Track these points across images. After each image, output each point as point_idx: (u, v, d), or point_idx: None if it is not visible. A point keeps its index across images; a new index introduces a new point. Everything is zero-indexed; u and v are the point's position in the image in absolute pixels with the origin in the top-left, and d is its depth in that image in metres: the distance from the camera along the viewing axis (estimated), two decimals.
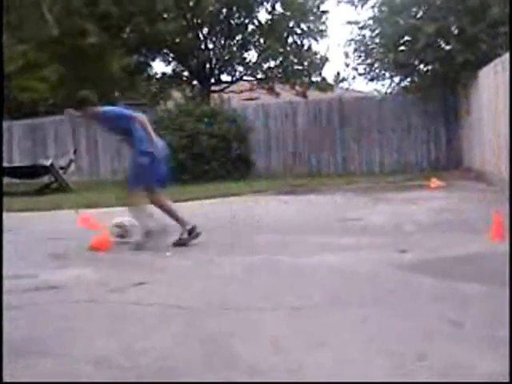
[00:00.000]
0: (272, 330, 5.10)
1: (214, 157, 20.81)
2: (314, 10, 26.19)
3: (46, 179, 20.45)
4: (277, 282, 6.77)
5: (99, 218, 10.95)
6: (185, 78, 28.71)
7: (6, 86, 24.62)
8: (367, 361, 4.25)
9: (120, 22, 24.81)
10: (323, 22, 26.45)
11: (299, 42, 26.76)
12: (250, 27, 26.98)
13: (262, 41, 26.54)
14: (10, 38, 24.10)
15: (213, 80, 26.99)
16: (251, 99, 29.66)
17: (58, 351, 4.87)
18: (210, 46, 26.68)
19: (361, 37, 22.45)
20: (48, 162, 20.41)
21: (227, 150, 21.02)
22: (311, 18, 26.22)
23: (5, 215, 11.87)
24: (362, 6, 22.31)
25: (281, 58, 26.54)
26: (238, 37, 27.00)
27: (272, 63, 27.04)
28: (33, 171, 20.18)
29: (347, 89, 27.10)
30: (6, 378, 4.22)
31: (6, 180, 19.96)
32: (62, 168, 20.65)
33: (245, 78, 27.75)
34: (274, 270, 7.35)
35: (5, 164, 21.78)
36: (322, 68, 26.93)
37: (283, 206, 14.37)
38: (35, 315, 5.94)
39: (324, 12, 26.33)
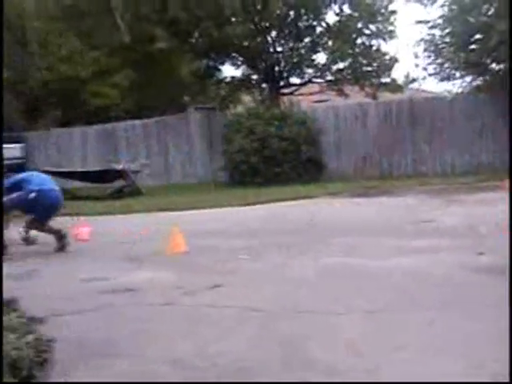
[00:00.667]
0: (347, 332, 5.12)
1: (285, 159, 20.70)
2: (383, 10, 25.41)
3: (118, 183, 20.72)
4: (350, 284, 6.75)
5: (170, 221, 11.12)
6: (254, 82, 28.17)
7: (80, 91, 25.03)
8: (441, 362, 4.25)
9: (188, 26, 24.35)
10: (392, 23, 25.59)
11: (368, 43, 25.92)
12: (319, 29, 26.10)
13: (330, 43, 25.48)
14: (82, 45, 24.45)
15: (282, 83, 26.71)
16: (321, 101, 29.43)
17: (134, 352, 4.98)
18: (279, 48, 25.91)
19: (430, 36, 21.88)
20: (120, 167, 20.79)
21: (298, 152, 20.80)
22: (380, 18, 25.42)
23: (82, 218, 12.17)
24: (432, 5, 21.73)
25: (350, 60, 25.78)
26: (307, 39, 26.15)
27: (341, 65, 26.24)
28: (106, 175, 20.45)
29: (417, 89, 26.63)
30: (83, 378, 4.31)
31: (78, 184, 20.28)
32: (134, 172, 20.95)
33: (314, 80, 26.87)
34: (348, 272, 7.33)
35: (78, 168, 22.23)
36: (391, 69, 26.01)
37: (356, 209, 14.28)
38: (111, 317, 6.07)
39: (392, 12, 25.46)
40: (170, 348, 5.02)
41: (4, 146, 15.75)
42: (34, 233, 10.87)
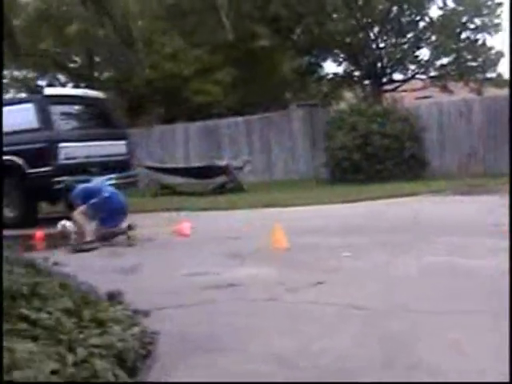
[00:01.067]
0: (450, 332, 5.01)
1: (387, 156, 20.31)
2: (489, 3, 24.23)
3: (221, 179, 20.79)
4: (454, 284, 6.61)
5: (272, 218, 11.12)
6: (356, 78, 27.85)
7: (182, 89, 25.38)
8: None
9: (290, 24, 24.55)
10: (498, 15, 24.27)
11: (473, 38, 24.85)
12: (422, 24, 25.43)
13: (434, 38, 24.85)
14: (185, 44, 24.75)
15: (384, 79, 26.32)
16: (424, 98, 28.78)
17: (236, 348, 5.00)
18: (381, 44, 25.53)
19: None
20: (223, 163, 20.95)
21: (400, 149, 20.43)
22: (485, 11, 24.24)
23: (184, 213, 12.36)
24: None
25: (454, 55, 24.88)
26: (410, 34, 25.53)
27: (445, 60, 25.38)
28: (208, 171, 20.65)
29: None
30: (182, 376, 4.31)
31: (180, 180, 20.56)
32: (236, 168, 21.03)
33: (417, 76, 26.38)
34: (451, 272, 7.17)
35: (181, 165, 22.53)
36: (497, 64, 24.77)
37: (459, 207, 13.88)
38: (213, 312, 6.12)
39: (499, 4, 24.15)
40: (271, 344, 5.02)
41: (109, 142, 16.08)
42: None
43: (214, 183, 20.68)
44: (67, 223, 11.61)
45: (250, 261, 8.76)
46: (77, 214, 11.27)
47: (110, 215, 11.48)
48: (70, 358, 4.06)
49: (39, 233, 12.49)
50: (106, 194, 11.51)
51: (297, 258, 8.73)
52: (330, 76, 28.11)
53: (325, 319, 5.62)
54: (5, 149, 14.56)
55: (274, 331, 5.38)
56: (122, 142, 15.60)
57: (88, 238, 10.91)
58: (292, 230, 10.03)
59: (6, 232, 13.36)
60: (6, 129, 14.85)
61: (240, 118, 25.63)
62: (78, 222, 11.21)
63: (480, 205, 13.75)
